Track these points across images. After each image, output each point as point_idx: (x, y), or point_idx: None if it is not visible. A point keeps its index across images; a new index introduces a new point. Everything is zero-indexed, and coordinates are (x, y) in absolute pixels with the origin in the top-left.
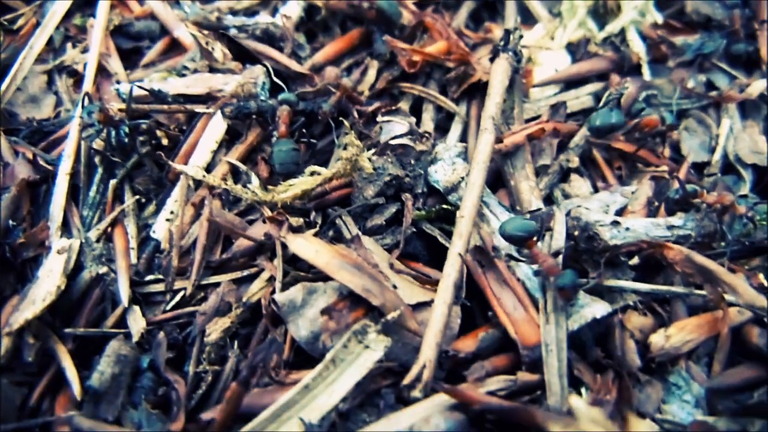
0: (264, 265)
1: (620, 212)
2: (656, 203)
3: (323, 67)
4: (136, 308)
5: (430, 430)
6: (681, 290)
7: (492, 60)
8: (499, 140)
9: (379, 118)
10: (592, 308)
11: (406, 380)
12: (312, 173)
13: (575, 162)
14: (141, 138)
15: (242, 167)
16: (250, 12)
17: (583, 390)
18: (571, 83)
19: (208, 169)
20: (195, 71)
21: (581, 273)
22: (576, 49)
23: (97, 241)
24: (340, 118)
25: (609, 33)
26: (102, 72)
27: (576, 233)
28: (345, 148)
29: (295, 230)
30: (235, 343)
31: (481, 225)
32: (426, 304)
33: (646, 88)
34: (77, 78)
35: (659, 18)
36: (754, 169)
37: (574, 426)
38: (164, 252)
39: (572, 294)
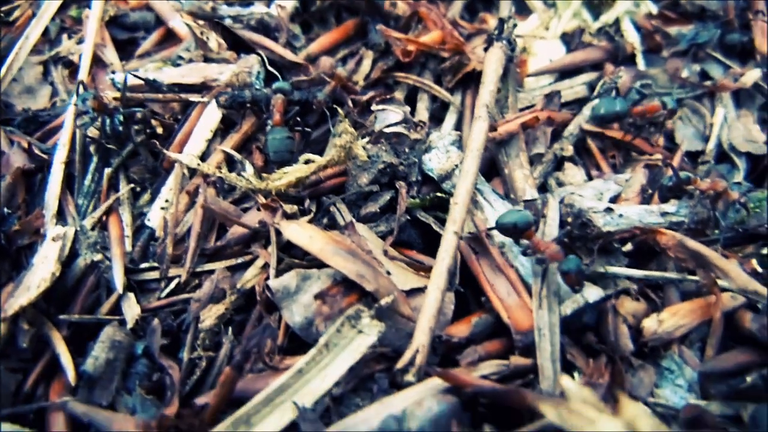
0: (258, 252)
1: (614, 200)
2: (650, 191)
3: (318, 57)
4: (131, 295)
5: (423, 413)
6: (674, 276)
7: (486, 49)
8: (493, 128)
9: (374, 107)
10: (585, 293)
11: (399, 364)
12: (306, 161)
13: (569, 150)
14: (136, 127)
15: (237, 156)
16: (245, 2)
17: (576, 374)
18: (565, 73)
19: (203, 157)
20: (190, 61)
21: None
22: (570, 39)
23: (92, 229)
24: (335, 107)
25: (603, 23)
26: (97, 62)
27: (569, 220)
28: (339, 136)
29: (289, 217)
30: (230, 329)
31: (475, 212)
32: (420, 290)
33: (641, 78)
34: (73, 69)
35: (654, 8)
36: (748, 157)
37: (565, 406)
38: (159, 240)
39: (577, 279)
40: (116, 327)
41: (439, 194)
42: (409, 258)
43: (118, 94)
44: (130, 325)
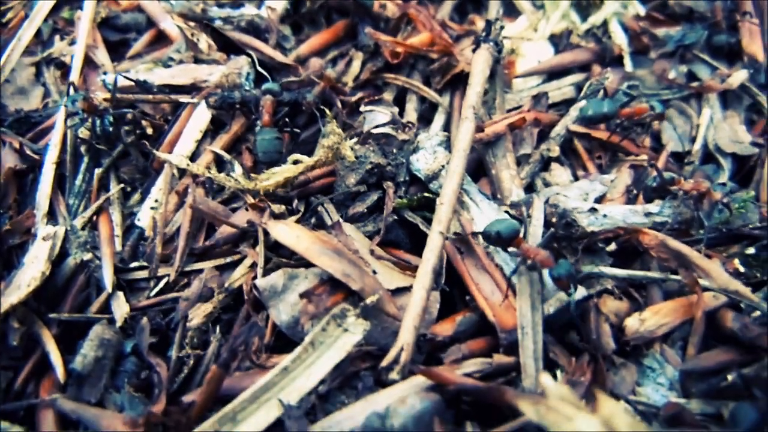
0: (246, 251)
1: (599, 200)
2: (635, 191)
3: (308, 59)
4: (120, 294)
5: (406, 411)
6: (657, 275)
7: (474, 51)
8: (480, 129)
9: (363, 108)
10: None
11: (384, 362)
12: (295, 161)
13: (556, 151)
14: (126, 127)
15: (226, 156)
16: (236, 4)
17: (558, 372)
18: (553, 74)
19: (193, 158)
20: (180, 62)
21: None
22: (559, 41)
23: (83, 228)
24: (324, 108)
25: (591, 25)
26: (89, 64)
27: (554, 220)
28: (327, 137)
29: (277, 217)
30: (218, 328)
31: (461, 212)
32: (406, 290)
33: (628, 79)
34: (65, 70)
35: (642, 10)
36: (733, 158)
37: (543, 403)
38: (148, 239)
39: (568, 282)
40: (105, 325)
41: (426, 195)
42: (395, 258)
43: (108, 95)
44: (119, 323)
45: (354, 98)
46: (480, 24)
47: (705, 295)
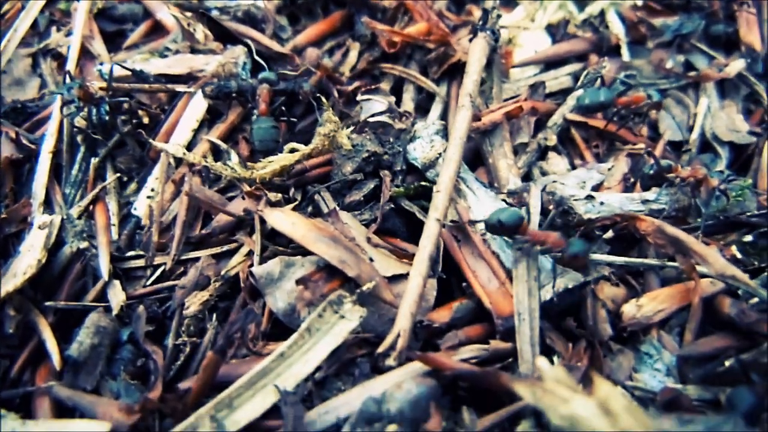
0: (243, 240)
1: (596, 188)
2: (632, 179)
3: (305, 49)
4: (117, 283)
5: (402, 395)
6: (654, 262)
7: (471, 40)
8: (477, 118)
9: (360, 98)
10: (564, 279)
11: (381, 348)
12: (291, 150)
13: (553, 140)
14: (123, 117)
15: (222, 145)
16: None
17: (555, 358)
18: (550, 64)
19: (189, 147)
20: (177, 52)
21: None
22: (556, 31)
23: (79, 217)
24: (321, 98)
25: (589, 14)
26: (86, 54)
27: (551, 208)
28: (323, 125)
29: (274, 205)
30: (214, 315)
31: (458, 200)
32: (402, 277)
33: (625, 69)
34: (61, 61)
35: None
36: (730, 146)
37: (540, 386)
38: (145, 228)
39: (585, 260)
40: (102, 313)
41: (423, 183)
42: (392, 245)
43: (104, 85)
44: (115, 311)
45: (351, 88)
46: (477, 14)
47: (702, 282)
